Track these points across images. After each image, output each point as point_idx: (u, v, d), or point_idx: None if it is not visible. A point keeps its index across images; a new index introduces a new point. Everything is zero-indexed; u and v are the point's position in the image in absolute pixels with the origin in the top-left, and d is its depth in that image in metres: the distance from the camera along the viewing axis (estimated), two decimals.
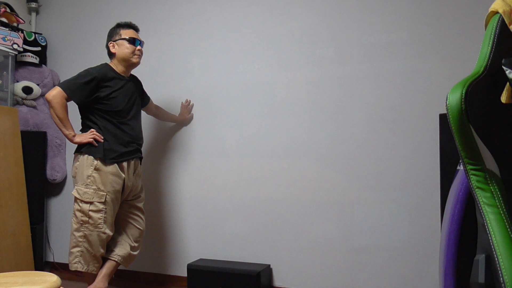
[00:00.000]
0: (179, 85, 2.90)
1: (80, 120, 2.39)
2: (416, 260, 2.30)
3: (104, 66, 2.38)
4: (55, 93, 2.22)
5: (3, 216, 2.59)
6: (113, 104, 2.32)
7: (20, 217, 2.72)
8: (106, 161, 2.27)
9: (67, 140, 3.16)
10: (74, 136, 2.28)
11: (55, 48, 3.30)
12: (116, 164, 2.31)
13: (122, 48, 2.38)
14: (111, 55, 2.44)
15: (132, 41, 2.39)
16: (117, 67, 2.41)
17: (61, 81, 2.31)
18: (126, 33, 2.40)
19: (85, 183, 2.26)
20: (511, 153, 0.99)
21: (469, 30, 2.22)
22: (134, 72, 2.53)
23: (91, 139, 2.26)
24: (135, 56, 2.40)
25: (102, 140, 2.28)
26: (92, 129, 2.29)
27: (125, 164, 2.36)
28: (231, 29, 2.78)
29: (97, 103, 2.31)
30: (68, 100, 2.26)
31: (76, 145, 2.33)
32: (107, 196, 2.27)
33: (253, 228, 2.67)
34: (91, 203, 2.26)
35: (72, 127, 2.29)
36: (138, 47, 2.41)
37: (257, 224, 2.66)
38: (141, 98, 2.58)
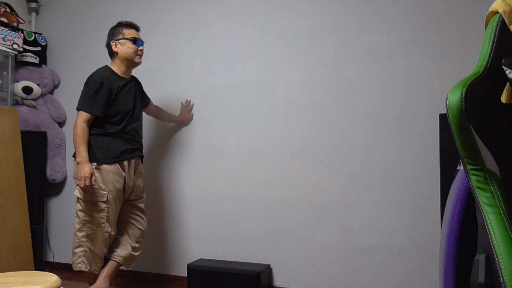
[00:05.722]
0: (179, 85, 2.90)
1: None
2: (416, 260, 2.30)
3: (104, 69, 2.37)
4: (78, 121, 2.23)
5: (3, 216, 2.58)
6: (117, 107, 2.32)
7: (20, 217, 2.72)
8: (106, 161, 2.28)
9: (67, 140, 3.19)
10: (84, 163, 2.18)
11: (55, 48, 3.30)
12: (117, 163, 2.31)
13: (125, 48, 2.38)
14: (112, 54, 2.43)
15: (135, 40, 2.40)
16: (119, 67, 2.40)
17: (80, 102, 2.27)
18: (129, 33, 2.40)
19: None
20: (511, 153, 0.99)
21: (469, 30, 2.22)
22: (134, 71, 2.53)
23: (84, 186, 2.17)
24: (137, 56, 2.41)
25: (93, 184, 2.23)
26: (92, 177, 2.21)
27: (125, 163, 2.36)
28: (231, 29, 2.78)
29: None
30: (92, 117, 2.26)
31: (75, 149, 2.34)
32: (109, 195, 2.27)
33: (253, 228, 2.67)
34: (93, 202, 2.26)
35: (85, 151, 2.22)
36: (141, 47, 2.42)
37: (257, 224, 2.66)
38: (141, 99, 2.58)
